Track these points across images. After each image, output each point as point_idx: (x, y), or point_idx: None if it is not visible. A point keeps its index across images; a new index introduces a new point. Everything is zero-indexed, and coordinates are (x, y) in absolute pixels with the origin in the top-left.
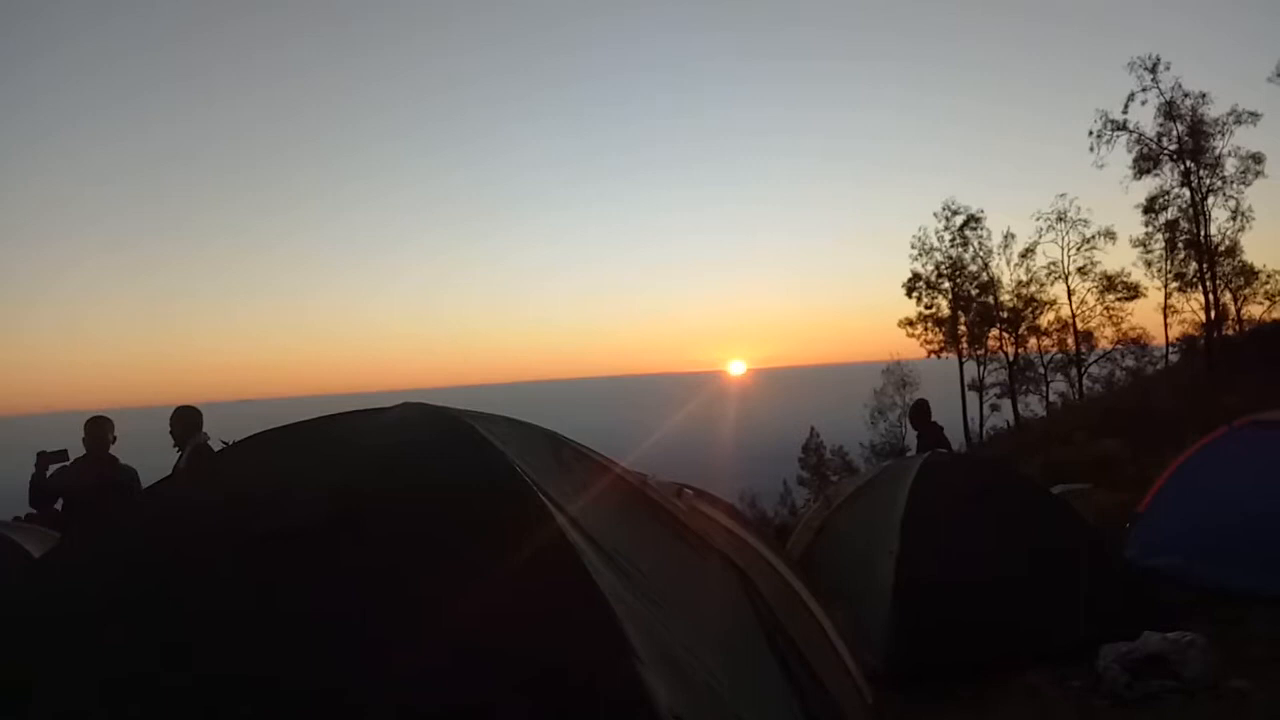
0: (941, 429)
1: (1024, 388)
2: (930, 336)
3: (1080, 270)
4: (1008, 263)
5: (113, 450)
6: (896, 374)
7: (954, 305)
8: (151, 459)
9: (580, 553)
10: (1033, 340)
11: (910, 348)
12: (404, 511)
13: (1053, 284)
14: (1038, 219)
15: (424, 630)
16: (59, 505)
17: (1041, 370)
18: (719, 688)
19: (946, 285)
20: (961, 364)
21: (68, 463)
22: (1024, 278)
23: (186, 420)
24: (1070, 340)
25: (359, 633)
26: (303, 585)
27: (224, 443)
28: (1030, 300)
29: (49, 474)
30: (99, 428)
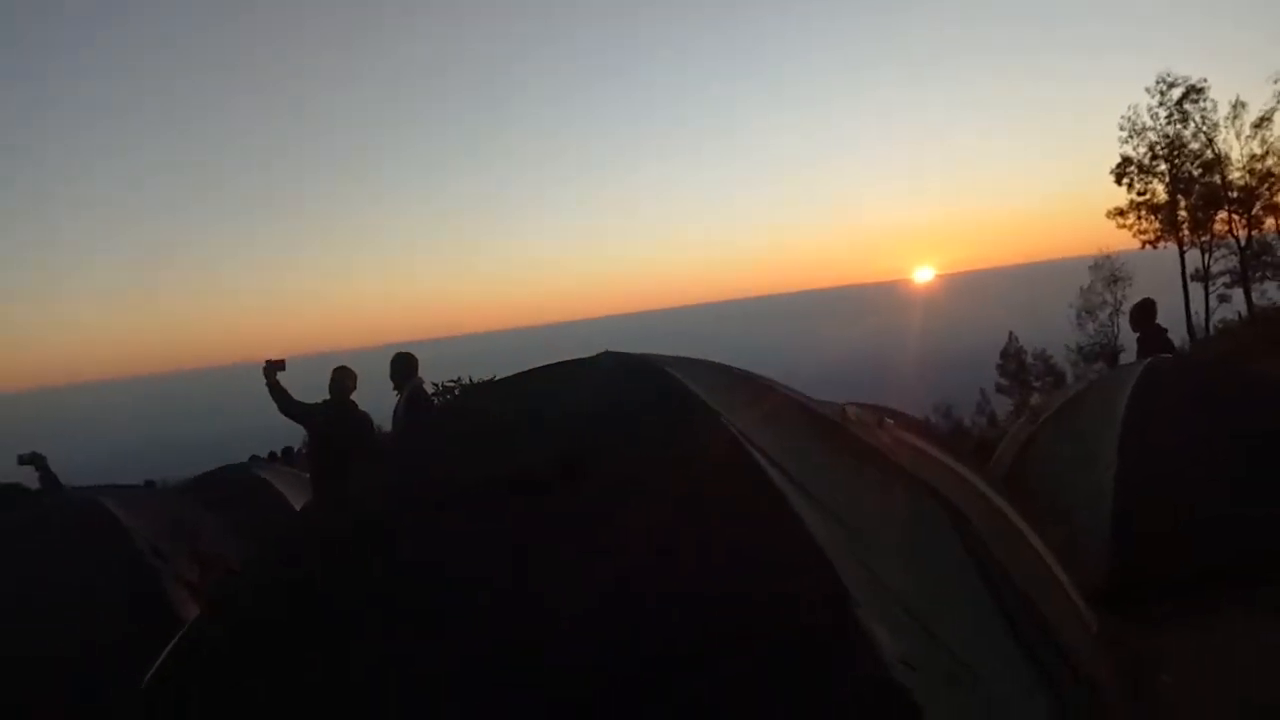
0: (1166, 331)
1: (1260, 274)
2: (1145, 225)
3: None
4: (1238, 136)
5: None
6: (1106, 269)
7: (1172, 189)
8: (375, 398)
9: (788, 496)
10: (1270, 220)
11: (1120, 239)
12: (619, 463)
13: None
14: (1276, 82)
15: (639, 585)
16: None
17: None
18: (931, 627)
19: (1163, 168)
20: (1183, 253)
21: (285, 370)
22: (1259, 150)
23: (404, 365)
24: None
25: (579, 588)
26: (519, 538)
27: (434, 384)
28: (1266, 175)
29: (302, 406)
30: (342, 376)
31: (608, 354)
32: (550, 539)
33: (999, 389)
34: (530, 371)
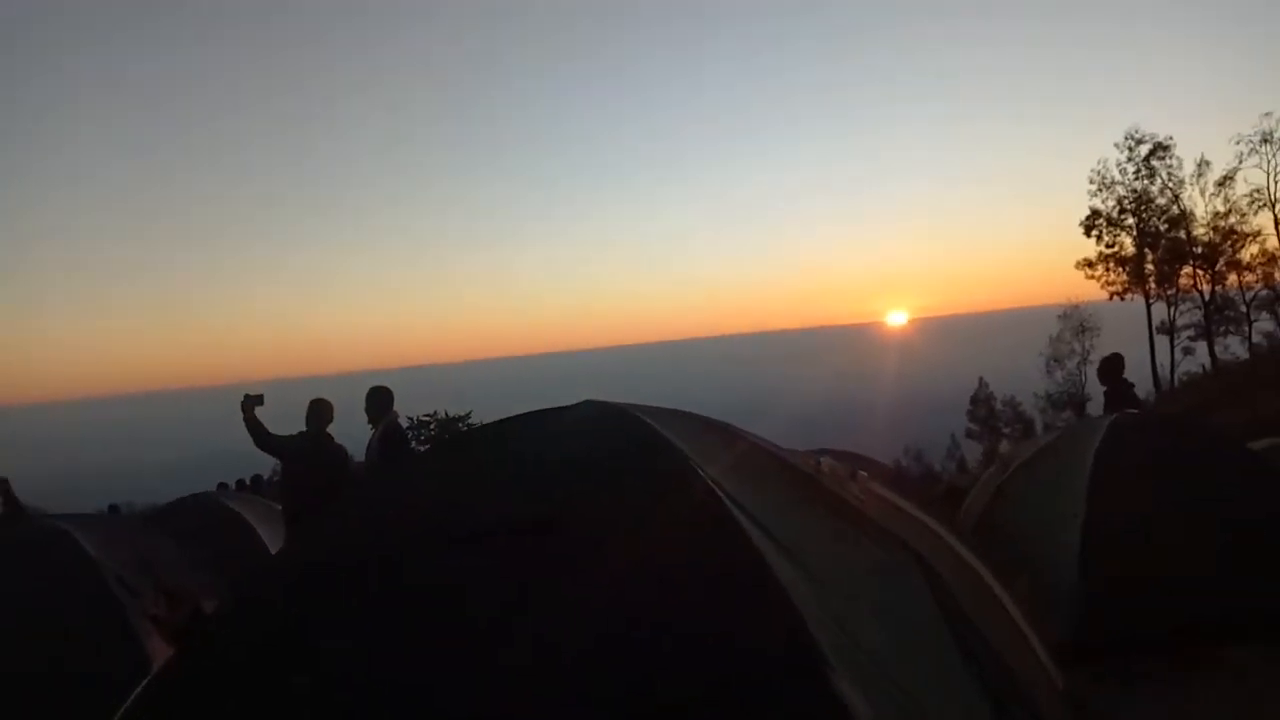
0: (1132, 386)
1: (1222, 328)
2: (1113, 277)
3: None
4: (1202, 193)
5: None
6: (1074, 318)
7: (1139, 242)
8: (347, 427)
9: (764, 554)
10: (1232, 276)
11: (1089, 290)
12: (593, 517)
13: (1256, 213)
14: (1237, 143)
15: (614, 642)
16: (275, 470)
17: (1243, 308)
18: (908, 689)
19: (1130, 221)
20: (1149, 305)
21: (263, 404)
22: (1222, 208)
23: (379, 399)
24: (1278, 274)
25: (555, 638)
26: (497, 586)
27: (409, 418)
28: (1229, 232)
29: (278, 440)
30: (320, 409)
31: (588, 403)
32: (525, 588)
33: (969, 434)
34: (510, 419)
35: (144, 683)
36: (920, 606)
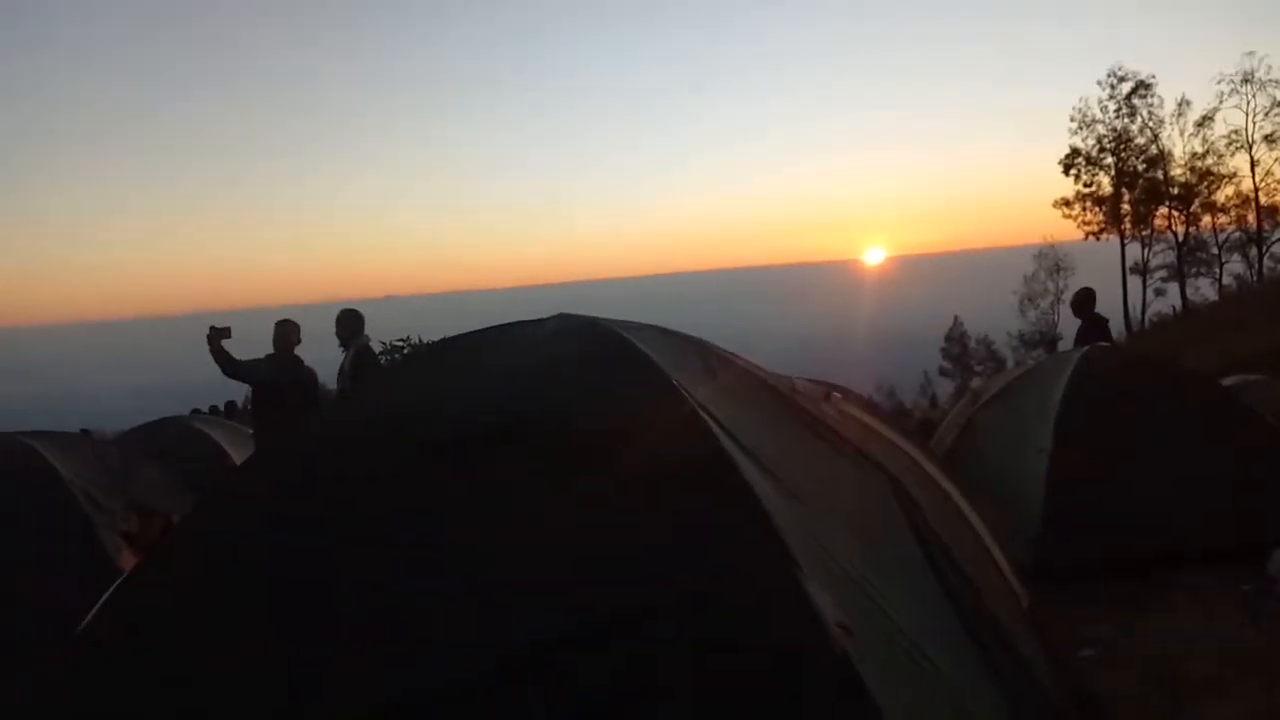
0: (1105, 321)
1: (1194, 270)
2: (1089, 217)
3: (1268, 138)
4: (1181, 133)
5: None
6: (1050, 258)
7: (1117, 182)
8: (320, 353)
9: (737, 463)
10: (1207, 218)
11: (1065, 229)
12: (564, 427)
13: (1233, 155)
14: (1219, 82)
15: (584, 544)
16: (247, 397)
17: (1215, 250)
18: (876, 597)
19: (1109, 160)
20: (1124, 246)
21: (230, 337)
22: (1199, 149)
23: (350, 322)
24: (1251, 216)
25: (524, 547)
26: (467, 500)
27: (382, 343)
28: (1206, 174)
29: (246, 365)
30: (286, 330)
31: (561, 315)
32: (498, 499)
33: (942, 372)
34: (481, 331)
35: (107, 594)
36: (893, 523)
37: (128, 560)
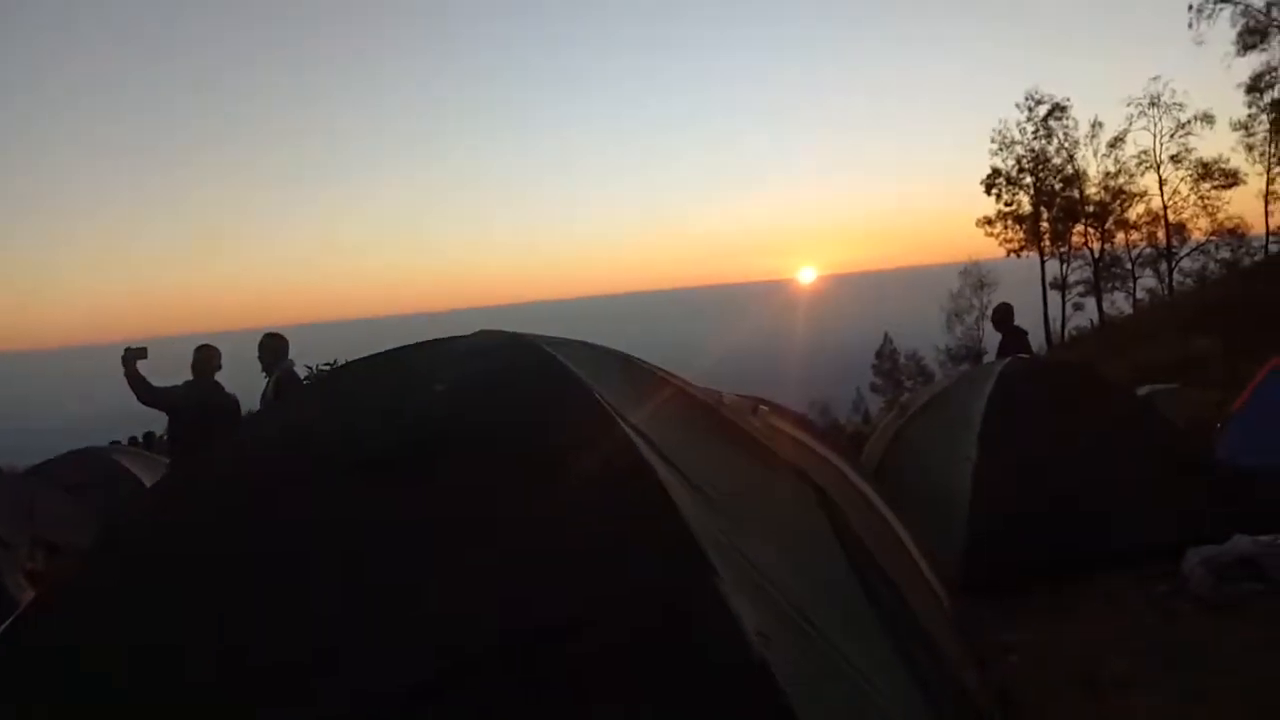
0: (1025, 333)
1: (1110, 285)
2: (1010, 235)
3: (1174, 158)
4: (1095, 154)
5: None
6: (974, 275)
7: (1036, 201)
8: (243, 381)
9: (659, 475)
10: (1120, 235)
11: (988, 247)
12: (485, 441)
13: (1143, 174)
14: (1128, 105)
15: (506, 556)
16: (165, 428)
17: (1129, 266)
18: (798, 605)
19: (1028, 180)
20: (1043, 262)
21: (146, 358)
22: (1112, 169)
23: (274, 347)
24: (1161, 233)
25: (444, 562)
26: (388, 517)
27: (308, 367)
28: (1118, 192)
29: (163, 391)
30: (207, 354)
31: (483, 332)
32: (415, 516)
33: (873, 388)
34: (398, 349)
35: (6, 623)
36: (817, 532)
37: (27, 598)
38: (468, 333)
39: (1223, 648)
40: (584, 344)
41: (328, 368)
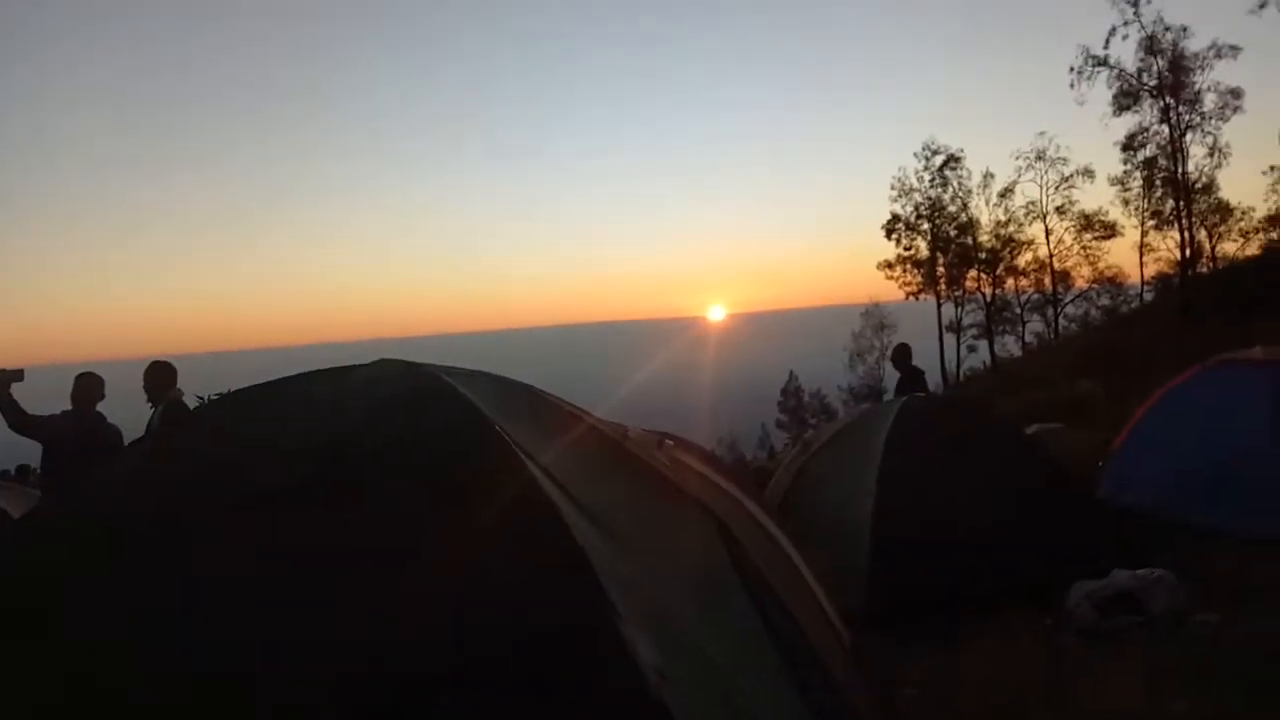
0: (922, 372)
1: (1001, 328)
2: (909, 278)
3: (1058, 209)
4: (986, 203)
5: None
6: (875, 316)
7: (933, 246)
8: (126, 412)
9: (559, 509)
10: (1010, 281)
11: (889, 290)
12: (380, 473)
13: (1031, 224)
14: (1017, 158)
15: (401, 593)
16: (39, 462)
17: (1018, 311)
18: (697, 641)
19: (926, 226)
20: (939, 305)
21: (22, 380)
22: (1002, 218)
23: (160, 375)
24: (1047, 280)
25: (336, 597)
26: (277, 550)
27: (199, 398)
28: (1008, 240)
29: (38, 419)
30: (88, 382)
31: (382, 361)
32: (304, 550)
33: (779, 424)
34: (294, 377)
35: None
36: (719, 566)
37: None
38: (366, 362)
39: (1105, 680)
40: (488, 376)
41: (219, 397)
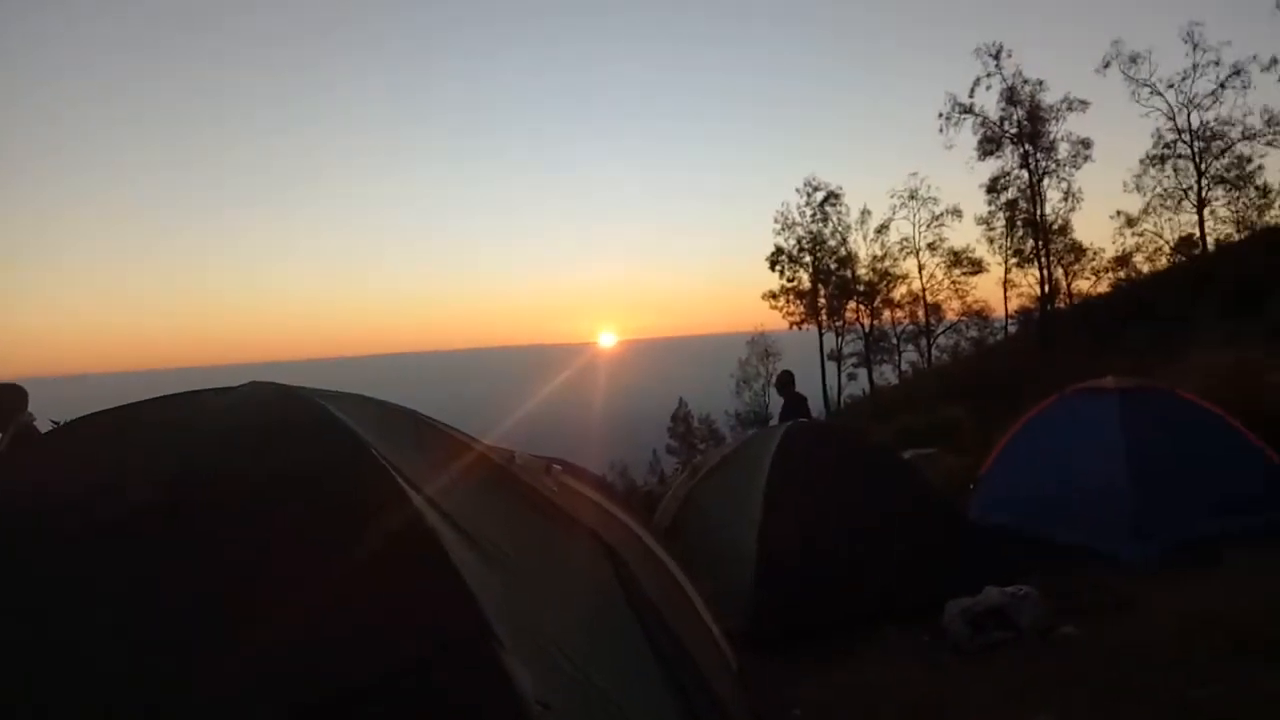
0: (804, 399)
1: (879, 358)
2: (792, 308)
3: (930, 246)
4: (864, 238)
5: None
6: (760, 345)
7: (814, 278)
8: None
9: (439, 535)
10: (887, 312)
11: (774, 319)
12: (249, 498)
13: (905, 259)
14: (892, 196)
15: (274, 622)
16: None
17: (894, 341)
18: (584, 668)
19: (808, 259)
20: (821, 335)
21: None
22: (879, 252)
23: (9, 398)
24: (920, 312)
25: (204, 627)
26: (139, 579)
27: (54, 423)
28: (885, 274)
29: None
30: None
31: (253, 383)
32: (165, 577)
33: (669, 450)
34: (157, 399)
35: None
36: (606, 592)
37: None
38: (236, 384)
39: (980, 695)
40: (367, 399)
41: (68, 424)
